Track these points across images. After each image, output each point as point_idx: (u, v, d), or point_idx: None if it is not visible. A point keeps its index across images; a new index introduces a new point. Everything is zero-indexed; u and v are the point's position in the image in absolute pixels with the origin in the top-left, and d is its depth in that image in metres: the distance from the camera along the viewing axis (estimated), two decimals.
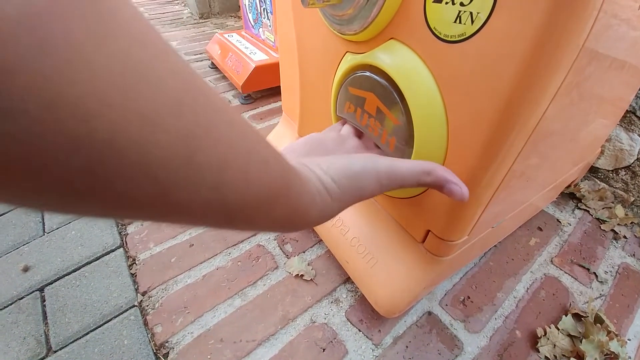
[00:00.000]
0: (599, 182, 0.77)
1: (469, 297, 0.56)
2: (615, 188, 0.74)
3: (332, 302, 0.55)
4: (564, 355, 0.48)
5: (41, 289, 0.58)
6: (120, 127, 0.10)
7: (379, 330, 0.51)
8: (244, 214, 0.17)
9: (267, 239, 0.65)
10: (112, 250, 0.64)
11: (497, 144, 0.30)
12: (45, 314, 0.54)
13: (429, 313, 0.53)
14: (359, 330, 0.51)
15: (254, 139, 0.17)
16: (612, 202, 0.73)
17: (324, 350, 0.49)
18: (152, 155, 0.11)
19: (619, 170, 0.72)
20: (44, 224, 0.70)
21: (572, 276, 0.60)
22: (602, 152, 0.73)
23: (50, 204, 0.11)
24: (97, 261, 0.62)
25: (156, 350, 0.49)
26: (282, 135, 0.73)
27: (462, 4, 0.27)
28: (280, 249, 0.63)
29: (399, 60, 0.35)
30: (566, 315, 0.52)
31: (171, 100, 0.12)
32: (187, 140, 0.12)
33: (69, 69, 0.09)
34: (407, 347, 0.49)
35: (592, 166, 0.77)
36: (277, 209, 0.19)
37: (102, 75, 0.09)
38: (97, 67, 0.09)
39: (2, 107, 0.08)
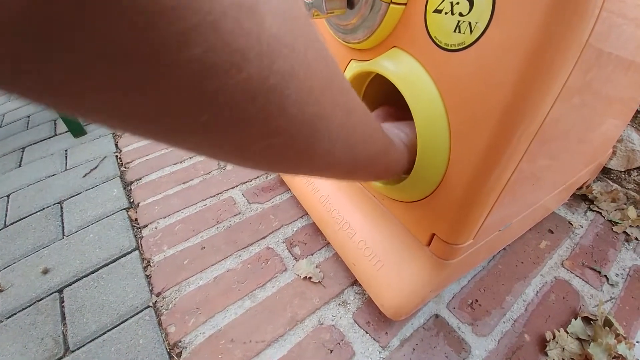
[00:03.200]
0: (611, 183, 0.76)
1: (477, 301, 0.56)
2: (628, 189, 0.73)
3: (339, 304, 0.56)
4: (572, 358, 0.47)
5: (60, 291, 0.60)
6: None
7: (386, 333, 0.51)
8: (362, 166, 0.26)
9: (276, 242, 0.66)
10: (128, 253, 0.66)
11: (498, 149, 0.30)
12: (64, 314, 0.57)
13: (437, 316, 0.54)
14: (366, 333, 0.52)
15: (369, 116, 0.25)
16: (625, 204, 0.72)
17: (331, 351, 0.50)
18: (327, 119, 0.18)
19: (631, 171, 0.71)
20: (63, 227, 0.73)
21: (583, 279, 0.59)
22: (614, 153, 0.72)
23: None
24: (114, 263, 0.65)
25: (170, 349, 0.51)
26: None
27: (460, 14, 0.28)
28: (289, 251, 0.65)
29: (401, 68, 0.35)
30: (576, 319, 0.51)
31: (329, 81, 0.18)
32: (344, 110, 0.20)
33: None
34: (414, 349, 0.50)
35: (604, 167, 0.75)
36: (381, 162, 0.30)
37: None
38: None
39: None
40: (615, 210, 0.71)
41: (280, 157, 0.18)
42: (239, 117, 0.13)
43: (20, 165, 0.94)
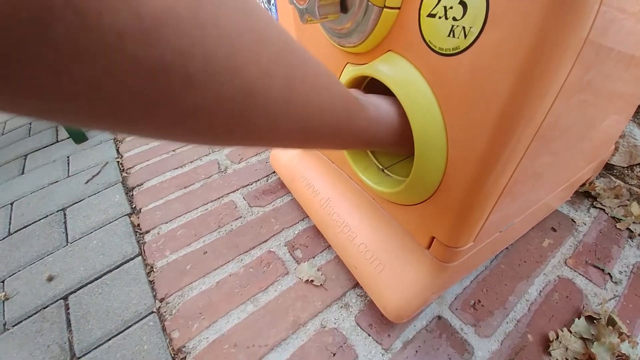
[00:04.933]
0: (614, 179, 0.75)
1: (479, 301, 0.56)
2: (631, 185, 0.72)
3: (341, 307, 0.56)
4: (575, 358, 0.47)
5: (65, 297, 0.61)
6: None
7: (389, 335, 0.51)
8: (318, 137, 0.23)
9: (277, 245, 0.67)
10: (132, 259, 0.67)
11: (496, 152, 0.30)
12: (69, 321, 0.57)
13: (439, 317, 0.54)
14: (369, 335, 0.52)
15: (328, 82, 0.22)
16: (628, 200, 0.71)
17: (334, 354, 0.50)
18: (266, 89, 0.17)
19: (634, 167, 0.70)
20: (67, 234, 0.73)
21: (586, 277, 0.59)
22: (616, 149, 0.71)
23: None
24: (118, 269, 0.65)
25: (174, 355, 0.52)
26: None
27: (454, 19, 0.28)
28: (291, 254, 0.65)
29: (397, 72, 0.35)
30: (579, 318, 0.51)
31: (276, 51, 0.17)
32: (286, 81, 0.18)
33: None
34: (416, 351, 0.50)
35: (607, 163, 0.75)
36: (345, 132, 0.26)
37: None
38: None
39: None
40: (619, 206, 0.71)
41: (210, 134, 0.17)
42: (141, 100, 0.12)
43: (22, 173, 0.95)
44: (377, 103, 0.33)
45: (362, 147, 0.34)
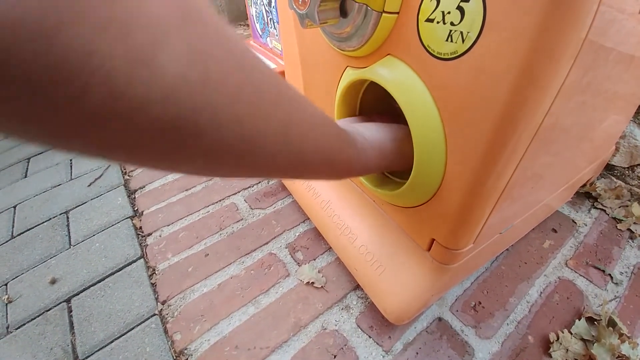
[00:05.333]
0: (615, 179, 0.75)
1: (480, 303, 0.56)
2: (632, 185, 0.72)
3: (342, 309, 0.56)
4: (576, 359, 0.47)
5: (68, 300, 0.61)
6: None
7: (389, 337, 0.52)
8: (312, 169, 0.26)
9: (278, 247, 0.67)
10: (134, 261, 0.67)
11: (495, 154, 0.30)
12: (72, 324, 0.58)
13: (439, 319, 0.54)
14: (370, 337, 0.52)
15: (319, 119, 0.25)
16: (629, 200, 0.71)
17: (335, 356, 0.50)
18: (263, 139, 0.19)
19: (635, 167, 0.70)
20: (69, 237, 0.74)
21: (587, 279, 0.59)
22: (617, 149, 0.71)
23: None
24: (120, 272, 0.66)
25: (176, 357, 0.52)
26: None
27: (452, 24, 0.28)
28: (292, 256, 0.65)
29: (396, 76, 0.36)
30: (580, 319, 0.51)
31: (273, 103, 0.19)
32: (283, 124, 0.20)
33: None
34: (417, 353, 0.50)
35: (608, 163, 0.75)
36: (336, 162, 0.28)
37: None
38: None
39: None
40: (620, 207, 0.71)
41: (218, 171, 0.20)
42: (158, 147, 0.15)
43: (26, 176, 0.96)
44: (365, 133, 0.35)
45: (356, 176, 0.36)
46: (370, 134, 0.35)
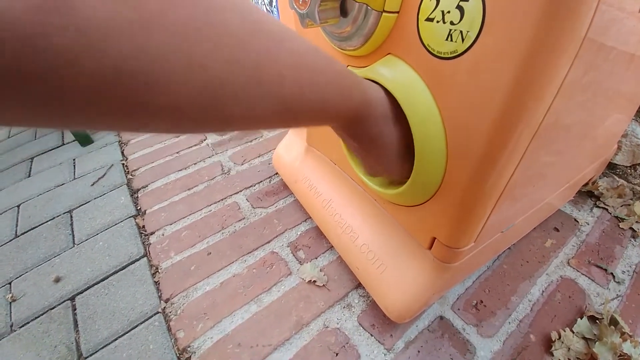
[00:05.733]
0: (617, 178, 0.75)
1: (481, 301, 0.56)
2: (634, 184, 0.72)
3: (344, 307, 0.56)
4: (578, 358, 0.47)
5: (72, 298, 0.62)
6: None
7: (391, 335, 0.52)
8: (304, 116, 0.23)
9: (280, 246, 0.67)
10: (137, 260, 0.68)
11: (495, 153, 0.30)
12: (76, 322, 0.58)
13: (441, 317, 0.54)
14: (371, 335, 0.52)
15: (319, 57, 0.22)
16: (631, 199, 0.71)
17: (337, 354, 0.50)
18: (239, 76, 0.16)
19: (637, 166, 0.70)
20: (73, 235, 0.75)
21: (589, 277, 0.59)
22: (619, 148, 0.71)
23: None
24: (124, 270, 0.66)
25: (179, 354, 0.52)
26: (292, 144, 0.75)
27: (452, 23, 0.28)
28: (293, 255, 0.65)
29: (396, 75, 0.36)
30: (581, 318, 0.51)
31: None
32: (255, 65, 0.17)
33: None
34: (419, 351, 0.50)
35: (610, 162, 0.75)
36: (338, 110, 0.25)
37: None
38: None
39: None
40: (622, 206, 0.70)
41: (186, 126, 0.17)
42: (108, 105, 0.13)
43: (29, 175, 0.97)
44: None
45: (361, 130, 0.32)
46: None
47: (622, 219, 0.68)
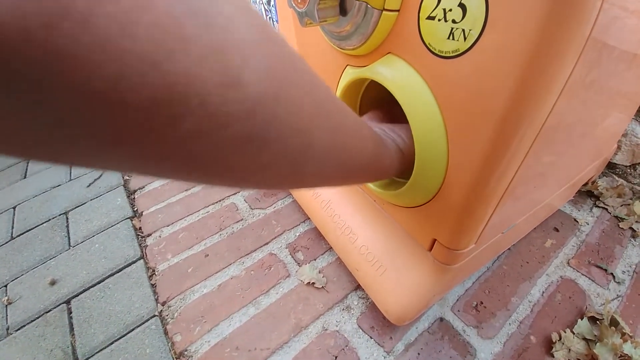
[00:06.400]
0: (617, 178, 0.75)
1: (482, 303, 0.55)
2: (634, 184, 0.72)
3: (343, 310, 0.56)
4: (578, 359, 0.47)
5: (68, 302, 0.61)
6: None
7: (391, 338, 0.51)
8: (354, 175, 0.27)
9: (279, 248, 0.67)
10: (133, 262, 0.67)
11: (497, 154, 0.30)
12: (72, 325, 0.57)
13: (441, 319, 0.54)
14: (371, 338, 0.52)
15: (359, 127, 0.26)
16: (631, 199, 0.71)
17: (336, 357, 0.50)
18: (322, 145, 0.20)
19: (637, 166, 0.70)
20: (69, 237, 0.74)
21: (589, 278, 0.59)
22: (619, 148, 0.71)
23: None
24: (120, 273, 0.65)
25: (176, 358, 0.52)
26: None
27: (454, 21, 0.27)
28: (292, 257, 0.65)
29: (397, 75, 0.35)
30: (582, 319, 0.51)
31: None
32: (332, 132, 0.21)
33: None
34: (419, 354, 0.49)
35: (609, 162, 0.74)
36: (373, 168, 0.30)
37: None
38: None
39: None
40: (622, 205, 0.70)
41: (271, 183, 0.20)
42: (230, 163, 0.16)
43: (25, 177, 0.96)
44: (397, 137, 0.36)
45: (386, 177, 0.36)
46: (401, 139, 0.36)
47: (622, 219, 0.68)
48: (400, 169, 0.36)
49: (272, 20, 1.06)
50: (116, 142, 0.11)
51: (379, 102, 0.47)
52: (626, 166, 0.72)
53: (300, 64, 0.18)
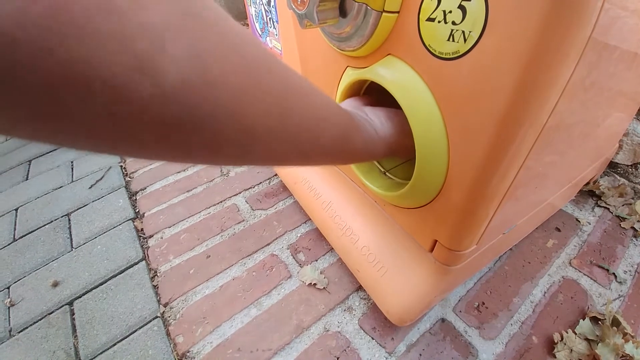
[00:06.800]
0: (618, 177, 0.74)
1: (483, 303, 0.55)
2: (635, 183, 0.72)
3: (345, 310, 0.56)
4: (580, 359, 0.47)
5: (70, 303, 0.61)
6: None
7: (392, 338, 0.51)
8: (318, 156, 0.26)
9: (280, 249, 0.67)
10: (135, 263, 0.67)
11: (498, 155, 0.30)
12: (75, 327, 0.57)
13: (443, 320, 0.53)
14: (372, 338, 0.52)
15: (331, 107, 0.26)
16: (632, 198, 0.71)
17: (337, 358, 0.50)
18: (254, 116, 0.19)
19: (638, 165, 0.70)
20: (71, 239, 0.74)
21: (591, 278, 0.59)
22: (620, 147, 0.71)
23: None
24: (122, 274, 0.65)
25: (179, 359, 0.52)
26: None
27: (454, 23, 0.27)
28: (293, 257, 0.65)
29: (397, 76, 0.35)
30: (584, 319, 0.51)
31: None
32: (282, 116, 0.20)
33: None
34: (420, 354, 0.49)
35: (611, 161, 0.74)
36: (341, 150, 0.28)
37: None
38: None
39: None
40: (623, 205, 0.70)
41: (220, 160, 0.20)
42: (160, 144, 0.16)
43: (27, 179, 0.96)
44: (374, 121, 0.35)
45: (362, 162, 0.35)
46: (379, 121, 0.35)
47: (624, 219, 0.68)
48: (383, 153, 0.35)
49: (273, 21, 1.06)
50: (31, 118, 0.12)
51: (379, 104, 0.47)
52: (628, 165, 0.72)
53: (237, 42, 0.17)
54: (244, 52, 0.17)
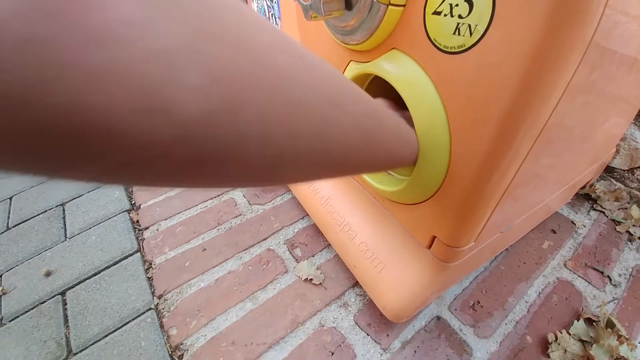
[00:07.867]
0: (614, 182, 0.75)
1: (478, 302, 0.55)
2: (631, 188, 0.72)
3: (340, 306, 0.56)
4: None
5: (63, 293, 0.61)
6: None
7: (387, 335, 0.51)
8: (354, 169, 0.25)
9: (277, 243, 0.66)
10: (130, 255, 0.67)
11: (500, 152, 0.30)
12: (67, 317, 0.57)
13: (438, 318, 0.54)
14: (367, 335, 0.52)
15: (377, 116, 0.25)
16: (628, 203, 0.71)
17: (332, 354, 0.50)
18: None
19: (635, 170, 0.70)
20: (65, 229, 0.73)
21: (585, 280, 0.59)
22: (617, 152, 0.71)
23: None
24: (116, 265, 0.65)
25: (171, 352, 0.51)
26: None
27: (460, 17, 0.27)
28: (290, 253, 0.64)
29: (401, 70, 0.35)
30: (578, 320, 0.51)
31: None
32: (318, 134, 0.18)
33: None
34: (415, 352, 0.49)
35: (607, 166, 0.75)
36: (383, 160, 0.27)
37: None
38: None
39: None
40: (619, 209, 0.71)
41: (249, 185, 0.19)
42: (185, 180, 0.15)
43: None
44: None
45: (399, 166, 0.35)
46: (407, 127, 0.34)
47: (619, 222, 0.69)
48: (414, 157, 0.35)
49: (275, 17, 1.06)
50: (26, 173, 0.10)
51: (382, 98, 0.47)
52: (624, 170, 0.73)
53: (274, 56, 0.14)
54: (274, 66, 0.14)
